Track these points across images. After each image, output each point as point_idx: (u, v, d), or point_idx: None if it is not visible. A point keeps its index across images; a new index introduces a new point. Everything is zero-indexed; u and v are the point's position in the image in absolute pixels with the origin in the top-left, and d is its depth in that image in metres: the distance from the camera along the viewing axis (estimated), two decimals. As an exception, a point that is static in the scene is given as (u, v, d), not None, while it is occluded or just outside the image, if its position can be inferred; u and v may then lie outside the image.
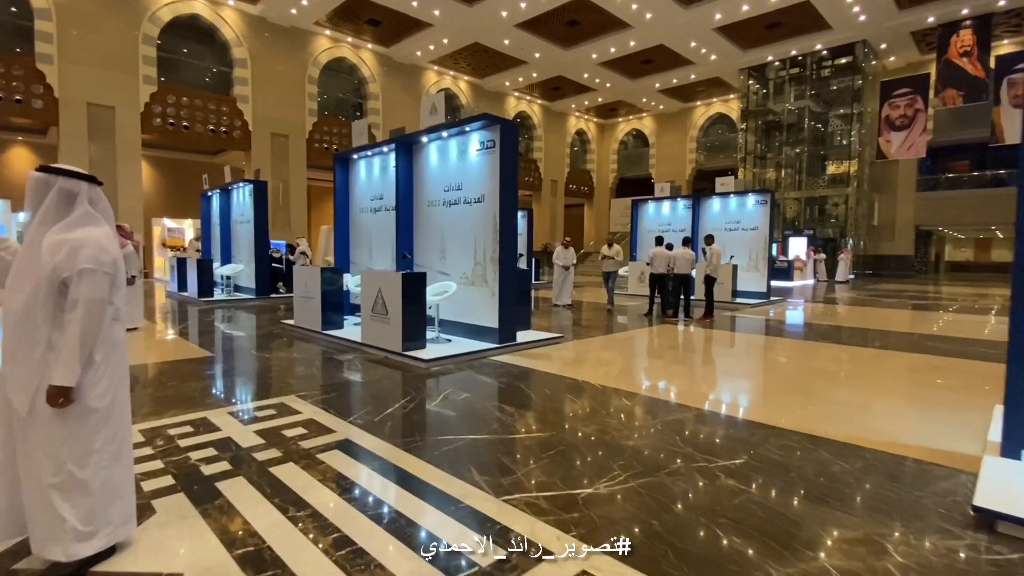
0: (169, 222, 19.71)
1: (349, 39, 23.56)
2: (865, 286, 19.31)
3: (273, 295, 12.64)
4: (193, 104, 19.62)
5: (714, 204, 13.63)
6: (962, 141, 24.85)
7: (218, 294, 12.47)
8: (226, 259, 13.32)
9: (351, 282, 7.79)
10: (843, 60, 25.07)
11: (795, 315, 10.91)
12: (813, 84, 25.83)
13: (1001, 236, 35.32)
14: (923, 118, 22.83)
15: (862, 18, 21.53)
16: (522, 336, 6.62)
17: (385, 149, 7.85)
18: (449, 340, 6.52)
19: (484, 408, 4.32)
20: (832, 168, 26.41)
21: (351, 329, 7.52)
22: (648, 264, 10.19)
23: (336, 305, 7.47)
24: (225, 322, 9.12)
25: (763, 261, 12.56)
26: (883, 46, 24.27)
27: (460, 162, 6.72)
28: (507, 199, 6.22)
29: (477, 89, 29.21)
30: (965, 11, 21.07)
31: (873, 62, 24.92)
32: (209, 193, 14.36)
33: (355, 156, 8.47)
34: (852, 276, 22.77)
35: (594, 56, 24.93)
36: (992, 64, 21.28)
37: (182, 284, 12.77)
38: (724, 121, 32.18)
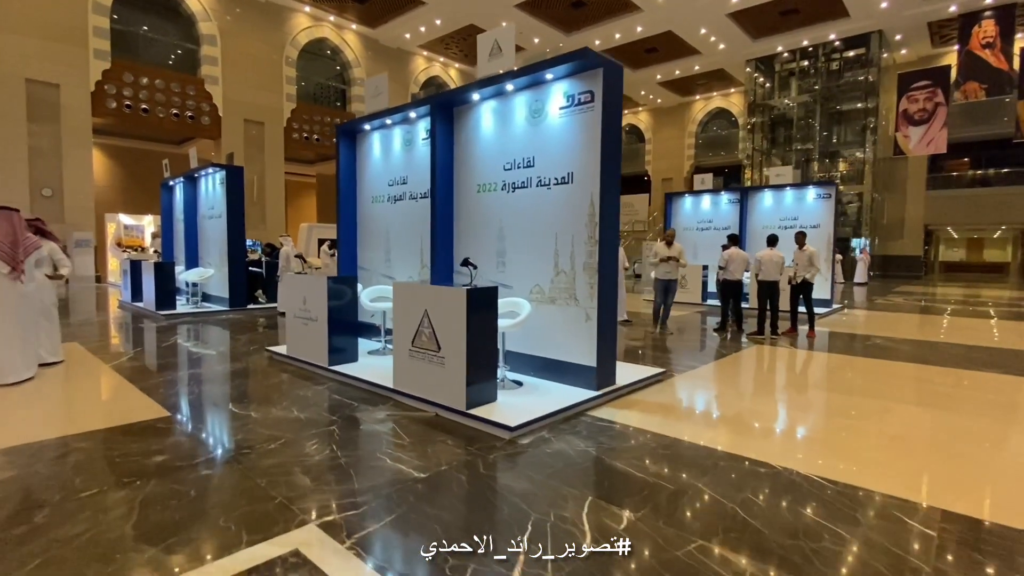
0: (126, 218, 17.15)
1: (331, 18, 21.27)
2: (892, 288, 17.98)
3: (251, 306, 10.42)
4: (154, 85, 17.12)
5: (765, 198, 11.96)
6: (975, 138, 23.96)
7: (182, 305, 10.20)
8: (192, 262, 11.04)
9: (364, 296, 5.75)
10: (852, 53, 23.92)
11: (887, 326, 9.25)
12: (824, 77, 24.61)
13: (995, 236, 35.00)
14: (943, 112, 21.75)
15: (884, 4, 20.30)
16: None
17: (413, 115, 5.82)
18: (519, 384, 4.56)
19: (688, 554, 2.35)
20: (844, 165, 25.22)
21: (368, 362, 5.49)
22: (721, 268, 8.39)
23: (349, 330, 5.42)
24: (190, 349, 6.94)
25: (826, 264, 10.90)
26: (898, 37, 23.18)
27: (532, 127, 4.76)
28: (609, 179, 4.30)
29: (469, 78, 27.14)
30: (988, 0, 20.02)
31: (885, 55, 23.81)
32: (171, 182, 12.02)
33: (366, 126, 6.41)
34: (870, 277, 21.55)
35: (597, 43, 23.15)
36: (1017, 55, 20.29)
37: (137, 292, 10.45)
38: (724, 116, 30.96)
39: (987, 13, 20.42)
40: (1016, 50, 20.26)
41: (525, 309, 4.53)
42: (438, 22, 21.54)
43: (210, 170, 10.21)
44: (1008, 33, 20.31)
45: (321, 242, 20.80)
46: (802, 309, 7.95)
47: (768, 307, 7.88)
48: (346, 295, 5.39)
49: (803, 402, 4.72)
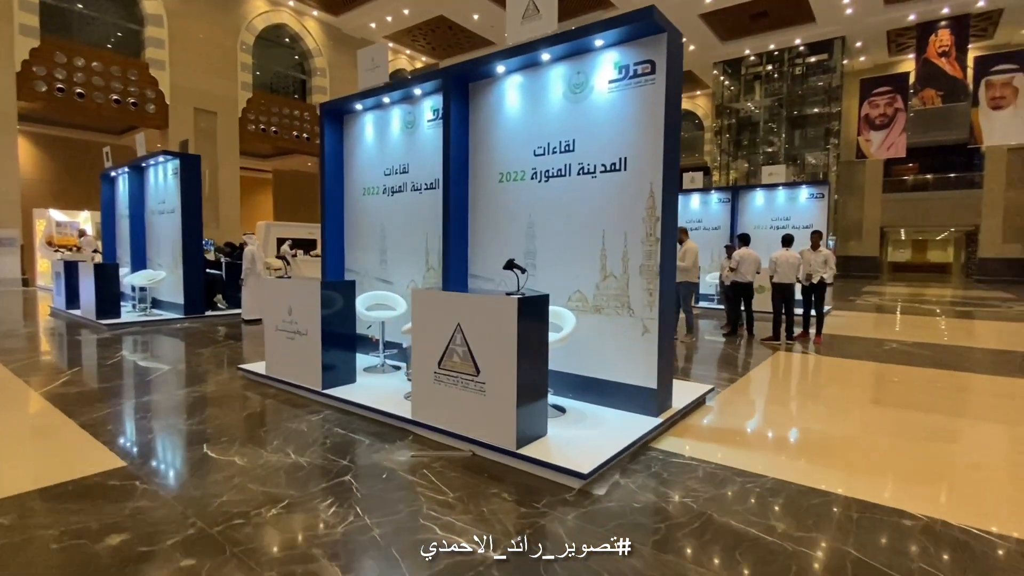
0: (58, 214, 15.36)
1: (291, 3, 19.92)
2: (859, 289, 18.25)
3: (210, 313, 9.24)
4: (91, 67, 15.39)
5: (757, 197, 11.67)
6: (932, 143, 24.94)
7: (128, 312, 8.92)
8: (139, 263, 9.74)
9: (358, 304, 4.88)
10: (814, 58, 24.46)
11: (888, 329, 9.02)
12: (789, 81, 25.06)
13: (937, 239, 36.84)
14: (903, 117, 22.41)
15: (849, 11, 20.75)
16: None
17: (418, 91, 4.98)
18: (561, 410, 3.82)
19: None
20: (808, 168, 25.72)
21: (368, 384, 4.63)
22: (732, 270, 7.91)
23: (347, 345, 4.54)
24: (142, 367, 5.86)
25: (821, 265, 10.66)
26: (858, 44, 23.82)
27: (572, 105, 4.04)
28: (671, 167, 3.64)
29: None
30: (945, 10, 20.73)
31: (846, 61, 24.44)
32: (114, 173, 10.63)
33: (357, 106, 5.51)
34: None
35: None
36: (970, 65, 21.10)
37: (73, 298, 9.09)
38: (689, 118, 31.15)
39: (943, 23, 21.14)
40: (970, 60, 21.05)
41: (569, 321, 3.80)
42: (406, 12, 20.56)
43: (161, 159, 8.98)
44: (962, 43, 21.09)
45: (280, 242, 19.48)
46: (798, 312, 7.61)
47: (784, 311, 7.45)
48: (343, 304, 4.50)
49: (882, 423, 4.18)
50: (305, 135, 21.11)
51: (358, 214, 5.77)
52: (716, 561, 2.20)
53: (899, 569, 2.14)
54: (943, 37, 21.26)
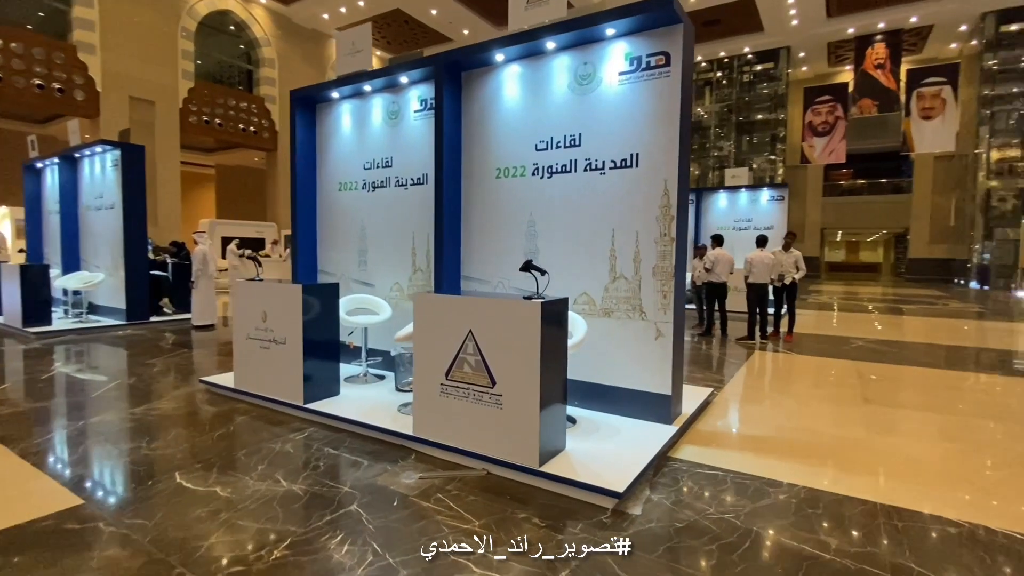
0: (-32, 211, 13.81)
1: (237, -13, 18.82)
2: (806, 288, 19.07)
3: (155, 318, 8.46)
4: (9, 48, 13.94)
5: (720, 199, 11.89)
6: (869, 150, 26.47)
7: (60, 319, 8.03)
8: (72, 264, 8.80)
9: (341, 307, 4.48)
10: (761, 67, 25.50)
11: (848, 326, 9.35)
12: (738, 87, 26.00)
13: (868, 240, 39.26)
14: (842, 125, 23.65)
15: (795, 22, 21.70)
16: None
17: (404, 80, 4.63)
18: (571, 420, 3.60)
19: None
20: (756, 172, 26.73)
21: (353, 395, 4.26)
22: (707, 270, 7.95)
23: (331, 355, 4.14)
24: (83, 381, 5.22)
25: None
26: (801, 54, 24.98)
27: (577, 97, 3.82)
28: (685, 164, 3.49)
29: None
30: (881, 24, 22.01)
31: (790, 70, 25.59)
32: (40, 164, 9.58)
33: (333, 94, 5.10)
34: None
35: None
36: (903, 77, 22.51)
37: (-8, 305, 8.10)
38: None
39: (879, 37, 22.44)
40: (903, 72, 22.45)
41: (580, 326, 3.58)
42: (361, 3, 19.86)
43: (99, 149, 8.13)
44: (896, 56, 22.46)
45: (226, 241, 18.35)
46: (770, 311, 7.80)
47: (758, 310, 7.55)
48: (326, 309, 4.10)
49: (884, 422, 4.18)
50: (252, 128, 20.02)
51: (333, 211, 5.34)
52: (783, 587, 2.04)
53: (969, 585, 2.05)
54: (879, 50, 22.58)
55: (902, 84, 22.42)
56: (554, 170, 3.93)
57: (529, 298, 2.92)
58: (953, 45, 23.07)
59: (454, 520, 2.48)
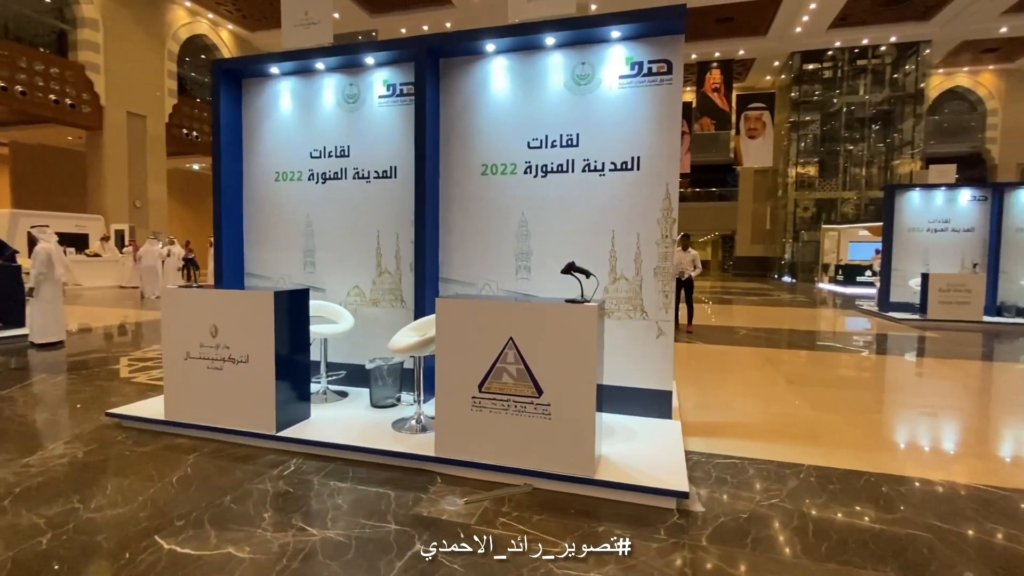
0: None
1: (47, -74, 15.41)
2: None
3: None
4: None
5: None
6: (710, 162, 30.35)
7: None
8: None
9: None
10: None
11: (724, 317, 10.61)
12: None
13: (700, 240, 44.99)
14: (688, 139, 26.78)
15: (650, 43, 23.96)
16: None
17: (370, 60, 4.15)
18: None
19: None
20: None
21: (326, 416, 3.74)
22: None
23: (303, 373, 3.57)
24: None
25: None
26: (653, 73, 27.71)
27: (575, 97, 3.77)
28: (677, 168, 3.64)
29: (244, 45, 22.94)
30: (717, 54, 25.37)
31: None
32: None
33: (273, 68, 4.39)
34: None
35: (403, 31, 21.91)
36: (734, 101, 26.18)
37: None
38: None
39: (715, 64, 25.81)
40: (733, 97, 26.10)
41: (590, 326, 3.55)
42: (213, -34, 17.55)
43: None
44: (728, 82, 26.01)
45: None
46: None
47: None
48: (299, 319, 3.52)
49: (819, 400, 4.76)
50: (68, 101, 16.57)
51: (267, 204, 4.62)
52: (860, 558, 2.22)
53: (991, 535, 2.44)
54: (715, 75, 25.92)
55: (733, 106, 26.08)
56: (549, 169, 3.84)
57: (573, 301, 2.81)
58: (768, 77, 27.37)
59: (543, 544, 2.29)
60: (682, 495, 2.63)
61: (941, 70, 25.32)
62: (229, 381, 3.41)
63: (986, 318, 9.84)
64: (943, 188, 10.99)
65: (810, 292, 18.28)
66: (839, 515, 2.62)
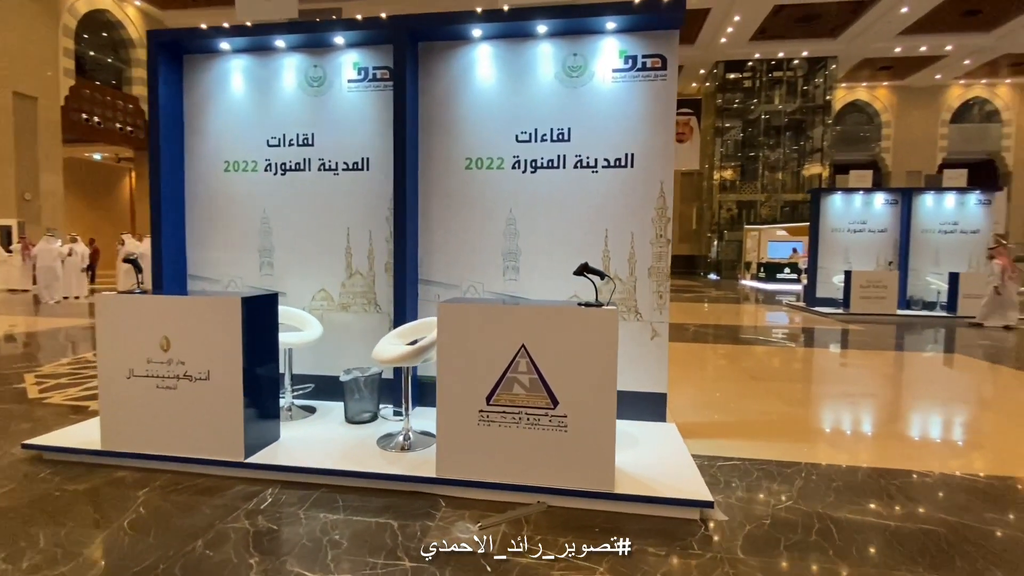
0: None
1: None
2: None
3: None
4: None
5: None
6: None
7: None
8: None
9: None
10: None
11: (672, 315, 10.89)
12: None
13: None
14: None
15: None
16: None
17: (340, 40, 3.76)
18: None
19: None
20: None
21: (299, 437, 3.34)
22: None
23: (272, 390, 3.16)
24: None
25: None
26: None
27: (567, 89, 3.59)
28: (671, 166, 3.58)
29: (154, 24, 20.95)
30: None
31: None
32: None
33: (223, 44, 3.87)
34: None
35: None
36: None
37: None
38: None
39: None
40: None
41: (587, 330, 3.40)
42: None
43: None
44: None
45: None
46: None
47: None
48: (268, 329, 3.10)
49: (787, 395, 4.92)
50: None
51: (216, 197, 4.09)
52: (898, 559, 2.22)
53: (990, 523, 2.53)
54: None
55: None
56: (539, 164, 3.65)
57: (587, 305, 2.64)
58: (694, 84, 28.66)
59: (578, 572, 2.10)
60: (707, 504, 2.53)
61: (844, 84, 27.66)
62: (185, 402, 2.94)
63: (899, 311, 10.77)
64: (860, 192, 11.92)
65: (736, 289, 19.33)
66: (850, 514, 2.62)
